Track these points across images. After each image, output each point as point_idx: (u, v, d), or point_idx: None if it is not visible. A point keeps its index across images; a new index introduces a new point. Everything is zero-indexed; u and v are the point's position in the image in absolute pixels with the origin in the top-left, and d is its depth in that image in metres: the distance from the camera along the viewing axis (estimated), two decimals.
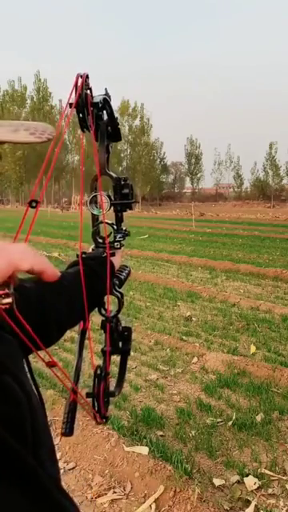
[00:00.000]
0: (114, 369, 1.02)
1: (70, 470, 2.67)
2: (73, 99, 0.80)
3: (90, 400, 0.90)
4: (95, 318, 1.02)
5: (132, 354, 4.19)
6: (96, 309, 0.99)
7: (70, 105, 0.80)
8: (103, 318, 0.98)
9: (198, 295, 6.92)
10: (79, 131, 0.86)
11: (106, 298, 0.98)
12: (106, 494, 2.43)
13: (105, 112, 0.92)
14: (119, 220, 1.02)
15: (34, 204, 0.59)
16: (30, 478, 0.49)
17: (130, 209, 1.00)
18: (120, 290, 1.01)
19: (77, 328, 0.96)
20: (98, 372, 0.91)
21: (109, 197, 0.96)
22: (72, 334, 0.95)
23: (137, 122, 61.43)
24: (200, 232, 18.14)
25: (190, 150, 66.54)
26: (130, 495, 2.41)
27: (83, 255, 0.92)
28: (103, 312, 0.99)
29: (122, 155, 60.73)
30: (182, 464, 2.57)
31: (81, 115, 0.83)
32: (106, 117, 0.93)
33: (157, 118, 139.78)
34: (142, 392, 3.68)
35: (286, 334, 5.08)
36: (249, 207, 53.53)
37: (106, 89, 0.91)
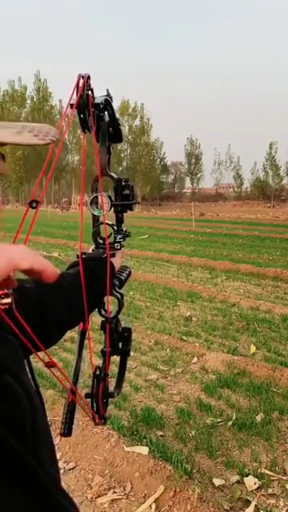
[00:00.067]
0: (113, 369, 1.02)
1: (70, 470, 2.67)
2: (74, 100, 0.80)
3: (88, 401, 0.90)
4: (95, 318, 1.02)
5: (132, 354, 4.19)
6: (96, 309, 0.99)
7: (71, 105, 0.80)
8: (103, 319, 0.98)
9: (197, 295, 6.92)
10: (79, 131, 0.86)
11: (106, 298, 0.98)
12: (106, 493, 2.43)
13: (106, 113, 0.92)
14: (119, 221, 1.02)
15: (34, 204, 0.59)
16: (29, 478, 0.49)
17: (131, 210, 1.00)
18: (120, 291, 1.01)
19: (77, 328, 0.96)
20: (97, 373, 0.91)
21: (109, 198, 0.96)
22: (72, 334, 0.94)
23: (137, 121, 61.54)
24: (200, 232, 18.14)
25: (190, 150, 66.59)
26: (129, 495, 2.41)
27: (83, 256, 0.92)
28: (103, 313, 0.99)
29: (122, 155, 60.74)
30: (182, 464, 2.57)
31: (82, 116, 0.83)
32: (107, 118, 0.93)
33: (157, 118, 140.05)
34: (142, 392, 3.68)
35: (286, 334, 5.08)
36: (249, 207, 53.53)
37: (107, 89, 0.91)
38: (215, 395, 3.58)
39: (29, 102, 61.33)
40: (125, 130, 57.66)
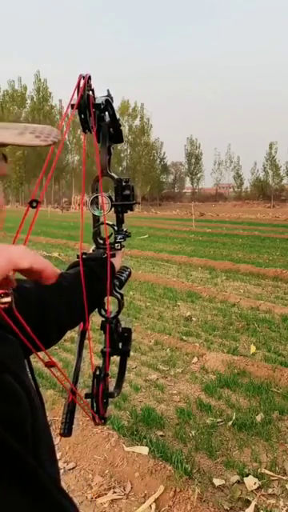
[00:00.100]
0: (113, 369, 1.02)
1: (70, 470, 2.67)
2: (75, 100, 0.80)
3: (88, 401, 0.90)
4: (95, 318, 1.02)
5: (132, 353, 4.19)
6: (96, 309, 1.00)
7: (72, 106, 0.80)
8: (103, 319, 0.98)
9: (197, 295, 6.92)
10: (79, 131, 0.86)
11: (106, 298, 0.99)
12: (106, 493, 2.43)
13: (107, 113, 0.92)
14: (120, 221, 1.02)
15: (34, 204, 0.59)
16: (29, 478, 0.49)
17: (131, 210, 1.00)
18: (120, 291, 1.01)
19: (77, 328, 0.97)
20: (97, 373, 0.91)
21: (110, 198, 0.96)
22: (72, 334, 0.94)
23: (137, 121, 61.54)
24: (200, 232, 18.14)
25: (190, 150, 66.58)
26: (130, 495, 2.41)
27: (83, 256, 0.92)
28: (103, 313, 0.99)
29: (122, 155, 60.75)
30: (182, 464, 2.57)
31: (83, 116, 0.83)
32: (108, 118, 0.93)
33: (157, 118, 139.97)
34: (142, 392, 3.68)
35: (286, 334, 5.08)
36: (249, 207, 53.54)
37: (108, 90, 0.91)
38: (215, 395, 3.58)
39: (29, 102, 61.36)
40: (125, 130, 57.67)
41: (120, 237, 1.02)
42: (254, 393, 3.58)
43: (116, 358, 1.04)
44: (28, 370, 0.63)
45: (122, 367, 1.05)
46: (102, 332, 0.98)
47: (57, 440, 2.86)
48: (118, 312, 1.00)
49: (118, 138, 0.98)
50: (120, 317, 1.01)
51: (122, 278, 1.03)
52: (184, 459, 2.68)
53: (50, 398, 3.27)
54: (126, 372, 1.07)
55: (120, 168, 59.12)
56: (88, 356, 0.98)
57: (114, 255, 0.99)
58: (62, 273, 0.94)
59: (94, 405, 0.90)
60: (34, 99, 60.73)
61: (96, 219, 0.98)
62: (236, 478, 2.57)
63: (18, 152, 50.16)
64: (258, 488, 2.48)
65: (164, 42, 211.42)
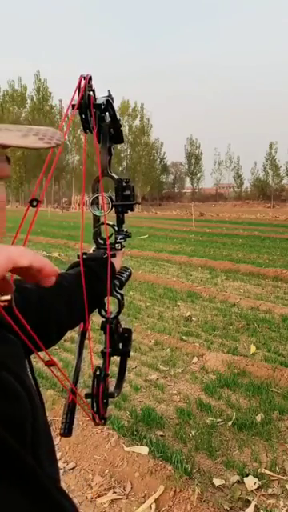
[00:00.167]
0: (114, 369, 1.02)
1: (70, 470, 2.67)
2: (75, 100, 0.81)
3: (89, 401, 0.90)
4: (95, 318, 1.02)
5: (132, 354, 4.19)
6: (96, 310, 1.00)
7: (73, 106, 0.80)
8: (103, 319, 0.98)
9: (197, 295, 6.92)
10: (79, 131, 0.87)
11: (106, 299, 0.99)
12: (106, 493, 2.43)
13: (107, 114, 0.92)
14: (120, 221, 1.02)
15: (34, 203, 0.59)
16: (29, 478, 0.49)
17: (132, 210, 1.00)
18: (121, 292, 1.01)
19: (77, 328, 0.97)
20: (98, 373, 0.91)
21: (110, 198, 0.96)
22: (72, 334, 0.94)
23: (137, 121, 61.52)
24: (200, 232, 18.14)
25: (190, 150, 66.56)
26: (130, 495, 2.41)
27: (84, 256, 0.93)
28: (103, 313, 0.99)
29: (122, 155, 60.73)
30: (182, 464, 2.57)
31: (83, 116, 0.83)
32: (108, 119, 0.93)
33: (157, 118, 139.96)
34: (142, 392, 3.68)
35: (286, 334, 5.08)
36: (249, 207, 53.54)
37: (108, 90, 0.91)
38: (215, 395, 3.58)
39: (29, 102, 61.36)
40: (125, 130, 57.63)
41: (120, 237, 1.02)
42: (254, 393, 3.58)
43: (116, 359, 1.04)
44: (28, 369, 0.63)
45: (122, 367, 1.05)
46: (102, 332, 0.98)
47: (57, 440, 2.86)
48: (119, 312, 1.00)
49: (118, 138, 0.98)
50: (120, 317, 1.01)
51: (123, 279, 1.03)
52: (184, 459, 2.68)
53: (49, 397, 3.27)
54: (126, 372, 1.07)
55: (120, 168, 59.12)
56: (88, 356, 0.98)
57: (114, 255, 0.99)
58: (62, 273, 0.94)
59: (94, 405, 0.90)
60: (34, 99, 60.75)
61: (96, 219, 0.98)
62: (236, 478, 2.57)
63: (18, 152, 50.17)
64: (258, 488, 2.48)
65: (163, 42, 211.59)
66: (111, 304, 0.99)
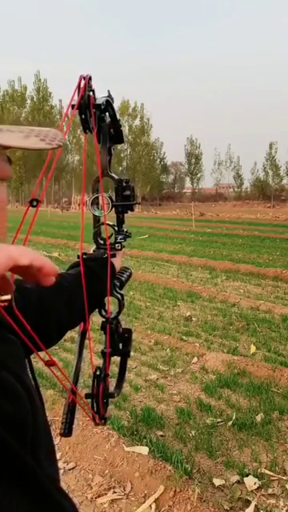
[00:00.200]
0: (114, 369, 1.02)
1: (70, 470, 2.67)
2: (75, 101, 0.81)
3: (89, 401, 0.90)
4: (95, 319, 1.02)
5: (132, 353, 4.18)
6: (96, 310, 1.00)
7: (73, 106, 0.80)
8: (103, 320, 0.98)
9: (197, 295, 6.92)
10: (79, 131, 0.87)
11: (106, 299, 0.99)
12: (106, 494, 2.43)
13: (107, 114, 0.92)
14: (120, 221, 1.02)
15: (34, 203, 0.59)
16: (29, 478, 0.49)
17: (132, 210, 1.01)
18: (121, 292, 1.01)
19: (77, 328, 0.97)
20: (98, 373, 0.91)
21: (110, 198, 0.96)
22: (72, 334, 0.95)
23: (137, 121, 61.52)
24: (200, 232, 18.15)
25: (190, 150, 66.57)
26: (130, 495, 2.41)
27: (84, 256, 0.93)
28: (103, 313, 0.99)
29: (122, 155, 60.73)
30: (182, 464, 2.57)
31: (83, 117, 0.83)
32: (108, 119, 0.93)
33: (157, 118, 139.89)
34: (142, 392, 3.68)
35: (286, 334, 5.08)
36: (249, 207, 53.54)
37: (108, 91, 0.91)
38: (215, 395, 3.58)
39: (29, 102, 61.33)
40: (125, 130, 57.61)
41: (120, 237, 1.02)
42: (254, 393, 3.58)
43: (116, 359, 1.04)
44: (28, 369, 0.64)
45: (123, 368, 1.05)
46: (103, 332, 0.98)
47: (57, 440, 2.86)
48: (119, 312, 1.00)
49: (118, 138, 0.98)
50: (120, 317, 1.01)
51: (123, 279, 1.04)
52: (184, 459, 2.68)
53: (49, 397, 3.27)
54: (126, 372, 1.07)
55: (120, 168, 59.13)
56: (88, 356, 0.98)
57: (114, 255, 0.99)
58: (63, 273, 0.94)
59: (95, 405, 0.90)
60: (34, 99, 60.72)
61: (96, 219, 0.98)
62: (236, 478, 2.57)
63: (18, 152, 50.15)
64: (258, 488, 2.48)
65: (163, 42, 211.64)
66: (111, 304, 0.99)
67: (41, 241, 14.34)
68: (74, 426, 0.85)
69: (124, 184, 0.98)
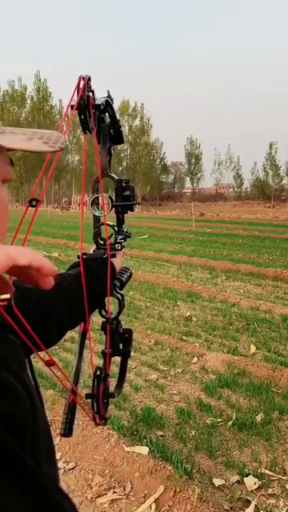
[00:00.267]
0: (114, 369, 1.02)
1: (70, 470, 2.67)
2: (75, 101, 0.81)
3: (89, 401, 0.90)
4: (96, 318, 1.02)
5: (132, 353, 4.18)
6: (97, 310, 1.00)
7: (72, 107, 0.80)
8: (104, 320, 0.98)
9: (197, 295, 6.92)
10: (79, 131, 0.87)
11: (106, 299, 0.99)
12: (106, 494, 2.43)
13: (107, 114, 0.92)
14: (120, 222, 1.02)
15: (34, 203, 0.59)
16: (28, 478, 0.49)
17: (132, 210, 1.01)
18: (121, 292, 1.01)
19: (77, 328, 0.97)
20: (98, 373, 0.91)
21: (110, 198, 0.96)
22: (72, 334, 0.95)
23: (137, 121, 61.53)
24: (200, 232, 18.14)
25: (190, 150, 66.58)
26: (130, 495, 2.41)
27: (84, 256, 0.93)
28: (104, 313, 0.99)
29: (122, 155, 60.74)
30: (182, 464, 2.57)
31: (83, 117, 0.83)
32: (108, 119, 0.93)
33: (157, 118, 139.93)
34: (142, 392, 3.68)
35: (286, 334, 5.08)
36: (249, 207, 53.54)
37: (108, 91, 0.91)
38: (215, 395, 3.58)
39: (29, 102, 61.29)
40: (125, 130, 57.58)
41: (120, 237, 1.02)
42: (254, 393, 3.58)
43: (116, 359, 1.04)
44: (28, 369, 0.64)
45: (123, 368, 1.05)
46: (103, 332, 0.98)
47: (57, 440, 2.86)
48: (119, 313, 1.00)
49: (118, 139, 0.98)
50: (120, 317, 1.01)
51: (123, 279, 1.04)
52: (184, 459, 2.68)
53: (49, 398, 3.27)
54: (126, 372, 1.07)
55: (120, 168, 59.12)
56: (88, 356, 0.98)
57: (114, 255, 0.99)
58: (63, 273, 0.94)
59: (95, 405, 0.90)
60: (34, 99, 60.69)
61: (96, 220, 0.98)
62: (236, 478, 2.57)
63: (18, 152, 49.99)
64: (258, 488, 2.48)
65: (163, 42, 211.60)
66: (112, 304, 0.99)
67: (41, 241, 14.34)
68: (74, 426, 0.85)
69: (124, 184, 0.98)
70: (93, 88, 0.84)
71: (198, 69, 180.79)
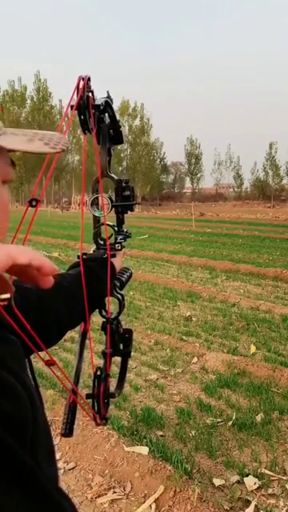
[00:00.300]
0: (114, 369, 1.02)
1: (70, 470, 2.67)
2: (74, 101, 0.81)
3: (89, 401, 0.90)
4: (96, 319, 1.02)
5: (132, 353, 4.19)
6: (97, 310, 1.00)
7: (72, 107, 0.80)
8: (104, 320, 0.98)
9: (197, 295, 6.92)
10: (79, 131, 0.87)
11: (106, 299, 0.99)
12: (106, 494, 2.43)
13: (106, 115, 0.92)
14: (120, 222, 1.02)
15: (34, 203, 0.59)
16: (28, 478, 0.49)
17: (132, 210, 1.01)
18: (121, 292, 1.01)
19: (77, 328, 0.97)
20: (98, 373, 0.91)
21: (110, 199, 0.96)
22: (72, 334, 0.95)
23: (137, 121, 61.50)
24: (200, 232, 18.14)
25: (190, 150, 66.55)
26: (130, 495, 2.41)
27: (84, 256, 0.93)
28: (104, 314, 0.99)
29: (122, 155, 60.71)
30: (182, 464, 2.57)
31: (82, 117, 0.83)
32: (107, 120, 0.93)
33: (157, 118, 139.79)
34: (142, 392, 3.68)
35: (286, 334, 5.08)
36: (249, 207, 53.53)
37: (107, 91, 0.91)
38: (215, 395, 3.58)
39: (29, 102, 61.27)
40: (125, 130, 57.60)
41: (120, 237, 1.02)
42: (254, 393, 3.58)
43: (117, 359, 1.04)
44: (28, 369, 0.63)
45: (123, 368, 1.05)
46: (103, 332, 0.98)
47: (57, 440, 2.86)
48: (119, 313, 1.00)
49: (118, 139, 0.98)
50: (120, 317, 1.01)
51: (123, 279, 1.04)
52: (184, 459, 2.68)
53: (49, 397, 3.27)
54: (127, 372, 1.07)
55: (120, 168, 59.10)
56: (88, 356, 0.98)
57: (114, 255, 0.99)
58: (63, 273, 0.94)
59: (95, 405, 0.90)
60: (34, 99, 60.67)
61: (96, 220, 0.98)
62: (236, 477, 2.57)
63: (18, 152, 50.08)
64: (258, 488, 2.48)
65: (163, 42, 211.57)
66: (112, 304, 0.99)
67: (41, 241, 14.34)
68: (74, 427, 0.85)
69: (123, 184, 0.98)
70: (92, 88, 0.84)
71: (198, 69, 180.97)
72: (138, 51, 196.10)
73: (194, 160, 66.75)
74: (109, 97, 0.91)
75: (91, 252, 1.00)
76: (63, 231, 18.41)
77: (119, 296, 1.00)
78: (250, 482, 2.52)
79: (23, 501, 0.47)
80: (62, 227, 21.14)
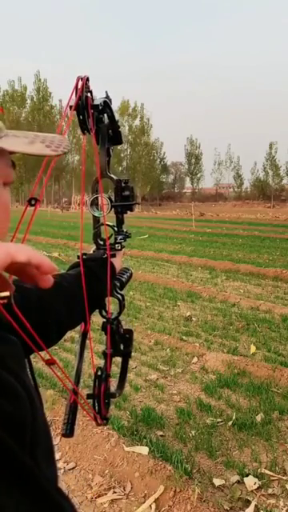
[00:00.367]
0: (114, 369, 1.02)
1: (70, 470, 2.67)
2: (73, 101, 0.81)
3: (90, 401, 0.90)
4: (96, 319, 1.02)
5: (132, 353, 4.19)
6: (97, 310, 1.00)
7: (71, 107, 0.80)
8: (104, 320, 0.98)
9: (197, 295, 6.92)
10: (79, 131, 0.87)
11: (106, 299, 0.99)
12: (106, 494, 2.43)
13: (105, 115, 0.92)
14: (120, 222, 1.02)
15: (33, 202, 0.59)
16: (28, 479, 0.49)
17: (131, 210, 1.01)
18: (121, 292, 1.01)
19: (77, 328, 0.97)
20: (99, 373, 0.91)
21: (109, 199, 0.96)
22: (72, 334, 0.95)
23: (137, 121, 61.49)
24: (200, 232, 18.14)
25: (190, 150, 66.54)
26: (130, 495, 2.41)
27: (84, 256, 0.93)
28: (104, 314, 0.99)
29: (122, 155, 60.69)
30: (182, 464, 2.57)
31: (81, 117, 0.83)
32: (106, 120, 0.93)
33: (157, 118, 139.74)
34: (142, 392, 3.68)
35: (286, 334, 5.08)
36: (249, 207, 53.52)
37: (106, 92, 0.91)
38: (215, 395, 3.58)
39: (29, 102, 61.26)
40: (125, 130, 57.62)
41: (120, 237, 1.02)
42: (254, 393, 3.58)
43: (117, 359, 1.04)
44: (28, 369, 0.63)
45: (124, 368, 1.05)
46: (103, 333, 0.98)
47: (57, 440, 2.86)
48: (119, 313, 1.00)
49: (117, 139, 0.98)
50: (120, 317, 1.01)
51: (123, 279, 1.04)
52: (184, 459, 2.68)
53: (49, 397, 3.27)
54: (127, 372, 1.07)
55: (120, 168, 59.08)
56: (89, 356, 0.98)
57: (114, 255, 0.99)
58: (62, 273, 0.94)
59: (96, 405, 0.90)
60: (34, 99, 60.66)
61: (96, 220, 0.98)
62: (236, 478, 2.57)
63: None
64: (258, 488, 2.48)
65: (163, 42, 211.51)
66: (112, 304, 0.99)
67: (41, 241, 14.34)
68: (75, 427, 0.85)
69: (123, 184, 0.98)
70: (91, 88, 0.84)
71: (198, 69, 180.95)
72: (138, 51, 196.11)
73: (193, 160, 66.74)
74: (107, 97, 0.91)
75: (91, 252, 1.00)
76: (63, 231, 18.41)
77: (119, 296, 1.00)
78: (250, 482, 2.52)
79: (23, 501, 0.47)
80: (61, 227, 21.14)
